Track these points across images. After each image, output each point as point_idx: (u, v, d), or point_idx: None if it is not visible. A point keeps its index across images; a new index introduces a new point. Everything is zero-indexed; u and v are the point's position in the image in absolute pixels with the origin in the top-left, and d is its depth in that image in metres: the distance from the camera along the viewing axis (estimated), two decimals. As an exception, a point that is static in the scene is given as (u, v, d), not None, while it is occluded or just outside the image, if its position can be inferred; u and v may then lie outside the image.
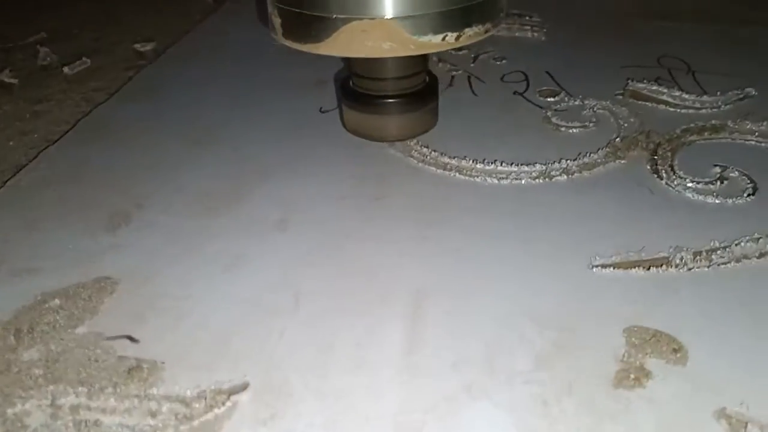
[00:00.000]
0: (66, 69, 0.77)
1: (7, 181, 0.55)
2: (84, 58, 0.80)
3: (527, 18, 0.84)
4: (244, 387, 0.34)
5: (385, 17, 0.40)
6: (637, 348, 0.35)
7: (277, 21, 0.44)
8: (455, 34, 0.42)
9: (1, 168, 0.59)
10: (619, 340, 0.36)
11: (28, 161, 0.59)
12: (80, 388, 0.34)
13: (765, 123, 0.56)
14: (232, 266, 0.42)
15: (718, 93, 0.62)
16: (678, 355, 0.35)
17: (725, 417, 0.31)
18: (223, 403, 0.33)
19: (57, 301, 0.41)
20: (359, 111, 0.50)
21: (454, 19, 0.42)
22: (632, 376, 0.33)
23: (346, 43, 0.41)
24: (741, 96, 0.61)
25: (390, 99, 0.48)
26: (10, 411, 0.33)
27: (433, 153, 0.54)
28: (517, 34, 0.79)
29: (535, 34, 0.78)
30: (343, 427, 0.32)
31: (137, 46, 0.84)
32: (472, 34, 0.43)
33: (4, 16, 0.99)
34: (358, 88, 0.49)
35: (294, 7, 0.42)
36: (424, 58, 0.48)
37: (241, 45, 0.80)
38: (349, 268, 0.42)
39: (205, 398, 0.33)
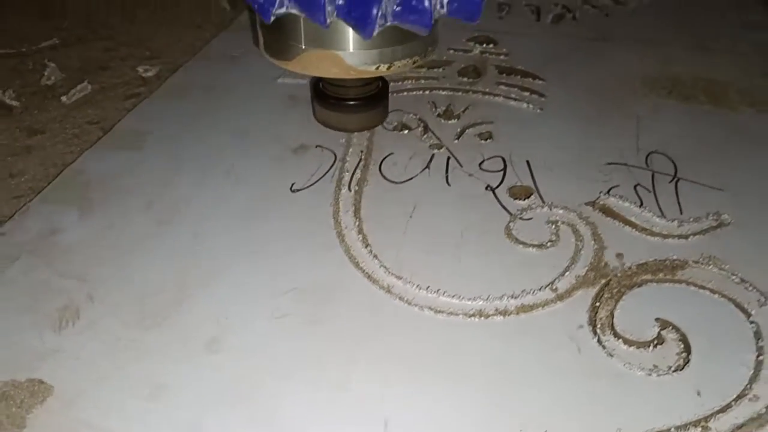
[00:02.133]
0: (64, 98, 0.79)
1: (-20, 244, 0.58)
2: (86, 83, 0.82)
3: (531, 79, 0.82)
4: None
5: (333, 51, 0.56)
6: None
7: (261, 39, 0.61)
8: (386, 65, 0.58)
9: (-19, 220, 0.62)
10: None
11: (9, 216, 0.62)
12: None
13: (726, 269, 0.55)
14: (153, 396, 0.45)
15: (691, 219, 0.60)
16: None
17: None
18: None
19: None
20: (327, 109, 0.67)
21: (385, 55, 0.57)
22: None
23: (306, 65, 0.58)
24: (715, 224, 0.60)
25: (351, 101, 0.66)
26: None
27: (380, 270, 0.55)
28: (512, 103, 0.77)
29: (531, 106, 0.76)
30: None
31: (140, 69, 0.85)
32: (400, 65, 0.59)
33: (26, 13, 1.01)
34: (327, 90, 0.66)
35: (274, 34, 0.58)
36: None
37: (238, 79, 0.81)
38: (259, 412, 0.44)
39: None
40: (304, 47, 0.57)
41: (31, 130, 0.75)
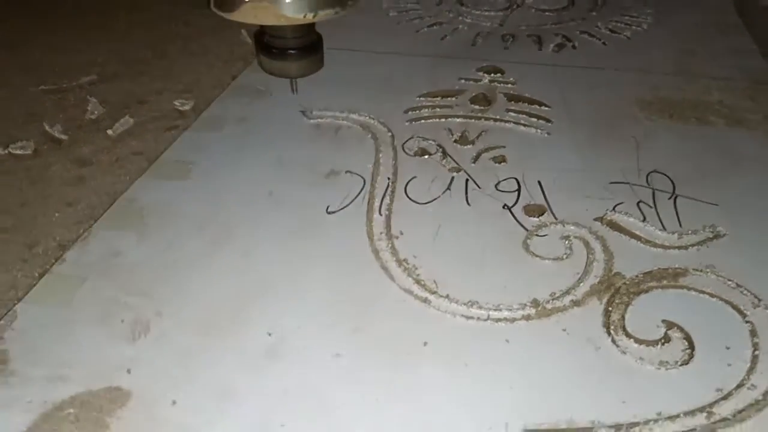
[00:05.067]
0: (110, 131, 0.85)
1: (52, 266, 0.64)
2: (127, 117, 0.88)
3: (537, 106, 0.89)
4: None
5: (267, 2, 0.65)
6: None
7: None
8: (312, 14, 0.66)
9: (47, 245, 0.68)
10: None
11: (71, 241, 0.68)
12: None
13: (723, 275, 0.61)
14: (224, 397, 0.51)
15: (689, 232, 0.67)
16: None
17: None
18: None
19: (71, 411, 0.50)
20: (271, 58, 0.74)
21: (311, 4, 0.66)
22: None
23: (245, 14, 0.66)
24: (711, 236, 0.66)
25: (291, 50, 0.73)
26: None
27: (414, 284, 0.61)
28: (522, 128, 0.84)
29: (539, 131, 0.83)
30: None
31: (177, 103, 0.92)
32: (323, 14, 0.66)
33: (62, 48, 1.08)
34: (270, 42, 0.73)
35: None
36: (311, 25, 0.71)
37: (268, 111, 0.87)
38: (322, 408, 0.50)
39: None
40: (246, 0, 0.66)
41: (80, 162, 0.81)
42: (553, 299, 0.60)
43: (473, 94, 0.92)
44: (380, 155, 0.80)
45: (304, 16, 0.66)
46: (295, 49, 0.73)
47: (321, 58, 0.76)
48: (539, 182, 0.74)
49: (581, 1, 1.23)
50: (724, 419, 0.49)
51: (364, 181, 0.75)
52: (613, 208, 0.70)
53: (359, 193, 0.73)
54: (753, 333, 0.56)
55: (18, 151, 0.82)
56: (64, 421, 0.49)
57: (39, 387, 0.52)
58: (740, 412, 0.50)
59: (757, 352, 0.54)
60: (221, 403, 0.51)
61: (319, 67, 0.77)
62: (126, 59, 1.05)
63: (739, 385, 0.52)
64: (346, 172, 0.77)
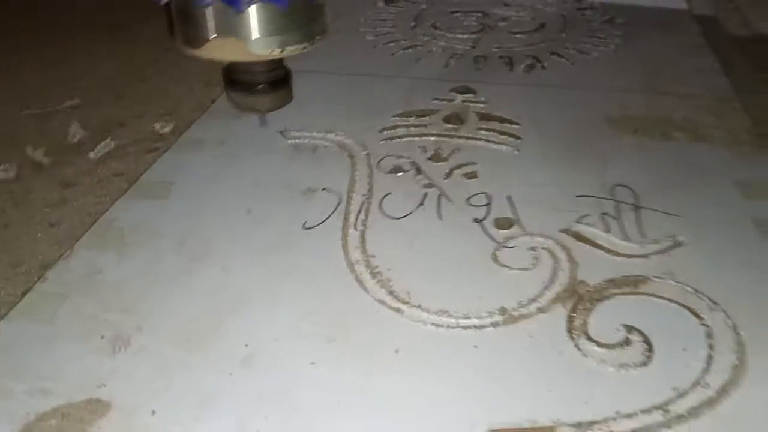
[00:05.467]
0: (91, 154, 0.87)
1: (33, 286, 0.66)
2: (108, 140, 0.91)
3: (508, 124, 0.92)
4: None
5: (234, 38, 0.66)
6: None
7: (178, 32, 0.70)
8: (279, 50, 0.68)
9: (30, 265, 0.70)
10: None
11: (53, 261, 0.70)
12: None
13: (681, 281, 0.64)
14: (201, 405, 0.53)
15: (651, 241, 0.70)
16: None
17: None
18: None
19: (53, 422, 0.52)
20: (240, 93, 0.76)
21: (278, 42, 0.67)
22: None
23: (211, 51, 0.68)
24: (672, 245, 0.70)
25: (260, 85, 0.74)
26: None
27: (388, 295, 0.63)
28: (492, 145, 0.87)
29: (509, 148, 0.87)
30: None
31: (157, 126, 0.94)
32: (291, 50, 0.68)
33: (46, 75, 1.10)
34: (239, 77, 0.75)
35: (187, 26, 0.68)
36: (279, 60, 0.73)
37: (246, 132, 0.90)
38: (297, 414, 0.52)
39: None
40: (211, 36, 0.67)
41: (63, 184, 0.83)
42: (520, 307, 0.62)
43: (446, 114, 0.95)
44: (356, 173, 0.82)
45: (271, 53, 0.68)
46: (264, 83, 0.75)
47: (290, 92, 0.78)
48: (508, 197, 0.77)
49: (551, 24, 1.27)
50: (679, 416, 0.52)
51: (340, 198, 0.78)
52: (579, 220, 0.73)
53: (335, 210, 0.76)
54: (708, 335, 0.59)
55: (1, 175, 0.84)
56: (45, 430, 0.51)
57: (21, 400, 0.53)
58: (695, 409, 0.52)
59: (711, 353, 0.57)
60: (199, 412, 0.53)
61: (288, 100, 0.79)
62: (108, 83, 1.08)
63: (695, 384, 0.54)
64: (323, 189, 0.79)
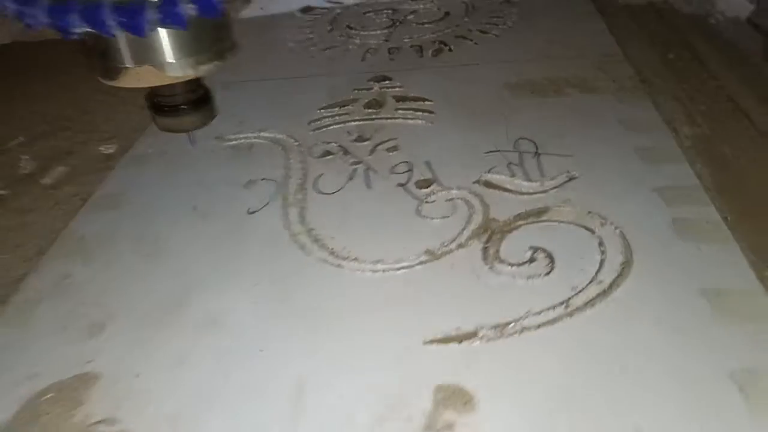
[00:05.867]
0: (45, 180, 0.94)
1: (8, 299, 0.73)
2: (60, 167, 0.98)
3: (422, 102, 1.02)
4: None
5: (148, 65, 0.69)
6: (439, 403, 0.55)
7: (98, 67, 0.72)
8: (193, 71, 0.71)
9: (2, 281, 0.76)
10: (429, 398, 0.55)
11: (24, 274, 0.77)
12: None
13: (577, 207, 0.75)
14: (178, 364, 0.61)
15: (550, 178, 0.81)
16: (467, 405, 0.54)
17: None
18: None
19: (49, 396, 0.59)
20: (164, 116, 0.78)
21: (190, 63, 0.70)
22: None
23: (129, 80, 0.70)
24: (567, 179, 0.81)
25: (182, 106, 0.77)
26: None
27: (330, 257, 0.73)
28: (410, 121, 0.98)
29: (423, 121, 0.97)
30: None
31: (102, 148, 1.02)
32: (204, 69, 0.71)
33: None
34: (161, 101, 0.77)
35: (105, 59, 0.70)
36: (198, 80, 0.77)
37: (185, 143, 0.97)
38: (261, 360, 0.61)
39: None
40: (127, 65, 0.69)
41: (21, 211, 0.90)
42: (442, 247, 0.72)
43: (366, 101, 1.05)
44: (290, 161, 0.92)
45: (185, 74, 0.71)
46: (187, 104, 0.78)
47: (212, 109, 0.81)
48: (426, 162, 0.88)
49: (455, 11, 1.39)
50: (578, 308, 0.62)
51: (278, 184, 0.86)
52: (488, 171, 0.84)
53: (274, 194, 0.85)
54: (600, 243, 0.70)
55: (-40, 210, 0.90)
56: (44, 404, 0.58)
57: (11, 387, 0.61)
58: (591, 300, 0.63)
59: (603, 258, 0.68)
60: (176, 370, 0.61)
61: (212, 117, 0.81)
62: (49, 119, 1.14)
63: (590, 282, 0.65)
64: (262, 179, 0.88)
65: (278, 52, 1.30)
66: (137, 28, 0.63)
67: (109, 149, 1.01)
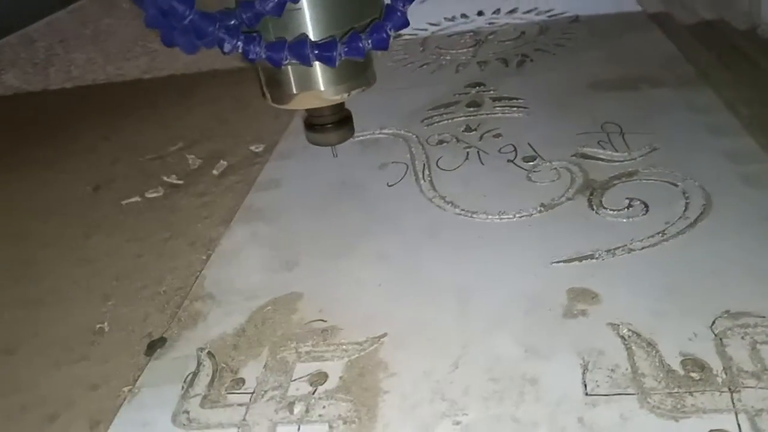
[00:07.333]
0: (214, 171, 1.17)
1: (214, 248, 0.94)
2: (222, 161, 1.20)
3: (514, 100, 1.22)
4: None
5: (313, 90, 0.83)
6: (572, 299, 0.73)
7: (267, 93, 0.86)
8: (346, 94, 0.84)
9: (203, 240, 0.98)
10: (564, 296, 0.73)
11: (219, 235, 0.98)
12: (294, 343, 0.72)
13: (659, 169, 0.93)
14: (358, 285, 0.81)
15: (635, 150, 0.99)
16: (594, 299, 0.72)
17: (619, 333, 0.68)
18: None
19: (270, 308, 0.80)
20: (314, 132, 0.92)
21: (343, 89, 0.84)
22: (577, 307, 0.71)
23: (296, 103, 0.84)
24: (650, 150, 0.99)
25: (328, 125, 0.91)
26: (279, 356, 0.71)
27: (462, 212, 0.92)
28: (507, 115, 1.18)
29: (520, 114, 1.17)
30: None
31: (252, 148, 1.24)
32: (354, 93, 0.84)
33: (141, 133, 1.41)
34: (312, 120, 0.93)
35: (276, 87, 0.84)
36: (342, 104, 0.93)
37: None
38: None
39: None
40: (295, 92, 0.84)
41: (200, 194, 1.12)
42: (553, 201, 0.91)
43: (467, 102, 1.25)
44: (412, 149, 1.12)
45: (340, 97, 0.86)
46: (332, 123, 0.93)
47: (352, 128, 0.96)
48: (528, 143, 1.07)
49: (529, 31, 1.60)
50: (673, 235, 0.80)
51: (407, 165, 1.07)
52: (582, 146, 1.02)
53: (406, 173, 1.05)
54: (684, 192, 0.87)
55: (151, 195, 1.13)
56: (267, 312, 0.78)
57: (241, 302, 0.81)
58: (682, 231, 0.81)
59: (688, 202, 0.86)
60: (358, 288, 0.80)
61: (351, 134, 0.96)
62: (197, 130, 1.38)
63: (679, 218, 0.83)
64: (392, 162, 1.08)
65: (380, 70, 1.50)
66: (330, 60, 0.78)
67: (258, 148, 1.24)
